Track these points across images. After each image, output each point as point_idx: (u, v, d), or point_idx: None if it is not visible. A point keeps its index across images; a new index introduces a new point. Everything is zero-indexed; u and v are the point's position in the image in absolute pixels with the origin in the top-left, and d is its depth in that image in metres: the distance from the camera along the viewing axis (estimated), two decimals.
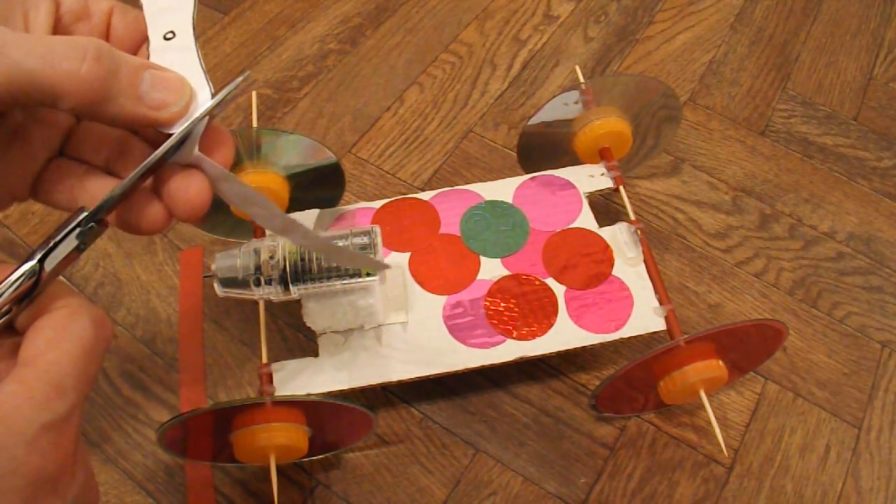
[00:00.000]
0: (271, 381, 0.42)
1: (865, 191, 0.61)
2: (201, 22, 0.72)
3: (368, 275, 0.39)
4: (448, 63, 0.68)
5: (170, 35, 0.25)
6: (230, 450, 0.41)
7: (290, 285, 0.39)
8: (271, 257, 0.39)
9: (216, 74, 0.67)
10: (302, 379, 0.42)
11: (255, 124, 0.48)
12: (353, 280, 0.39)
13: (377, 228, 0.40)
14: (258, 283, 0.39)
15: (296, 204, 0.49)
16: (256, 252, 0.39)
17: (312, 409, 0.40)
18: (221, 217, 0.50)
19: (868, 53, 0.71)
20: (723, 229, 0.58)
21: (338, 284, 0.39)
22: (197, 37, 0.25)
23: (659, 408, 0.49)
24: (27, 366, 0.21)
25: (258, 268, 0.39)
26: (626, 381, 0.44)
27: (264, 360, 0.42)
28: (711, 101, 0.66)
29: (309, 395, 0.40)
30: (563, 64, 0.68)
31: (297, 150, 0.47)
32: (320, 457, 0.47)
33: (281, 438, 0.39)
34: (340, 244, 0.39)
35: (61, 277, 0.23)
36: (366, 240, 0.39)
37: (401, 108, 0.65)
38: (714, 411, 0.49)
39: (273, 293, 0.39)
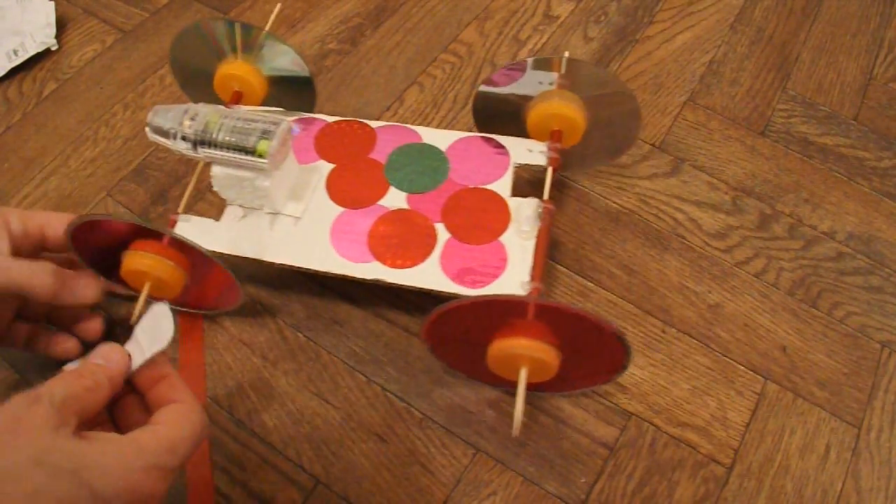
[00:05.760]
0: (174, 227, 0.48)
1: (865, 191, 0.61)
2: None
3: (260, 156, 0.44)
4: (448, 63, 0.68)
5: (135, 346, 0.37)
6: (117, 268, 0.45)
7: (198, 147, 0.44)
8: (192, 119, 0.44)
9: None
10: (198, 234, 0.48)
11: (266, 29, 0.54)
12: (245, 156, 0.44)
13: (287, 125, 0.45)
14: (176, 138, 0.45)
15: (267, 103, 0.56)
16: (186, 111, 0.45)
17: (193, 257, 0.45)
18: None
19: (868, 53, 0.71)
20: (723, 229, 0.58)
21: (230, 156, 0.44)
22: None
23: (484, 378, 0.48)
24: (159, 425, 0.33)
25: (181, 124, 0.44)
26: (462, 321, 0.42)
27: (181, 210, 0.49)
28: (711, 101, 0.66)
29: (193, 241, 0.44)
30: None
31: (286, 60, 0.54)
32: (191, 311, 0.51)
33: (159, 271, 0.44)
34: (252, 125, 0.44)
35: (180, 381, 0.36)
36: (272, 128, 0.44)
37: (401, 108, 0.65)
38: (714, 411, 0.49)
39: (186, 149, 0.45)
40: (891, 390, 0.51)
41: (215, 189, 0.48)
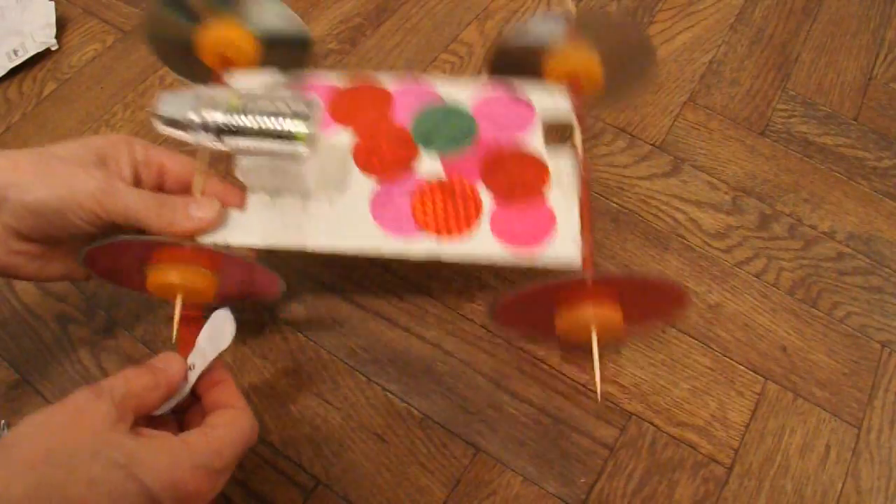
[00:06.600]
0: None
1: (865, 191, 0.61)
2: None
3: (298, 140, 0.40)
4: (448, 63, 0.68)
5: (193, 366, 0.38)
6: (143, 280, 0.42)
7: (222, 136, 0.40)
8: (210, 106, 0.39)
9: None
10: (224, 229, 0.43)
11: None
12: (281, 143, 0.40)
13: (318, 103, 0.40)
14: (195, 129, 0.39)
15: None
16: (198, 98, 0.40)
17: (221, 256, 0.41)
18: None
19: (868, 53, 0.71)
20: (723, 229, 0.58)
21: (263, 144, 0.40)
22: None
23: (550, 340, 0.49)
24: (210, 427, 0.35)
25: (198, 113, 0.39)
26: (530, 301, 0.44)
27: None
28: (711, 101, 0.66)
29: (227, 246, 0.42)
30: None
31: (279, 18, 0.49)
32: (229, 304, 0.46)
33: (190, 279, 0.41)
34: (280, 106, 0.40)
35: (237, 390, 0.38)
36: (304, 108, 0.40)
37: None
38: (714, 411, 0.49)
39: (208, 140, 0.40)
40: (891, 390, 0.51)
41: (240, 179, 0.44)
